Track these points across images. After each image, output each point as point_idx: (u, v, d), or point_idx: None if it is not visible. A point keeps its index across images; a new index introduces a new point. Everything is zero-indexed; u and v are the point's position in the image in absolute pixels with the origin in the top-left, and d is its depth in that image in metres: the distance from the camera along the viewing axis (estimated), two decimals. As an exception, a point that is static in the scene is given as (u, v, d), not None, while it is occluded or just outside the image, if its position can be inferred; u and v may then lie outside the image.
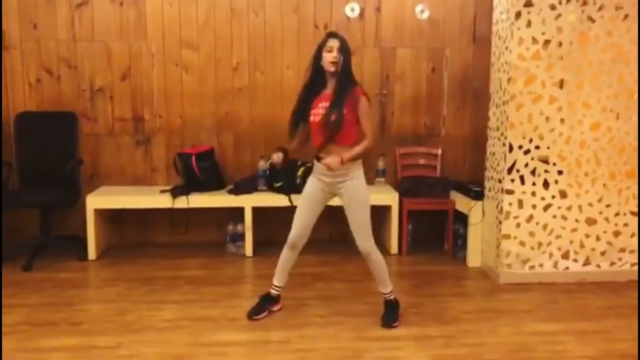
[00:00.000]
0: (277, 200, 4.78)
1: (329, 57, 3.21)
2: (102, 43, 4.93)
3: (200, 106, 5.08)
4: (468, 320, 3.58)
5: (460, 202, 4.82)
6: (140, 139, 5.09)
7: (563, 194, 4.22)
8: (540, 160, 4.17)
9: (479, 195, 4.59)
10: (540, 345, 3.24)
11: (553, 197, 4.21)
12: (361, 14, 5.06)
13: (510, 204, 4.20)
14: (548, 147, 4.16)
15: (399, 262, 4.76)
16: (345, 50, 3.23)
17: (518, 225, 4.23)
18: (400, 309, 3.54)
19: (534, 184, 4.19)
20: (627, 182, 4.26)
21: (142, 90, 5.02)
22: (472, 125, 5.29)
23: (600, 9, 4.05)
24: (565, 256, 4.29)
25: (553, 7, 4.02)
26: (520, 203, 4.20)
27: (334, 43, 3.22)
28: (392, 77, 5.19)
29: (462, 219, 4.83)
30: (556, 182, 4.20)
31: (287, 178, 4.82)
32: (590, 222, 4.27)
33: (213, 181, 4.93)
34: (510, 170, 4.17)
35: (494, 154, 4.40)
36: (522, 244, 4.25)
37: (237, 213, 4.84)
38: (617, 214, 4.28)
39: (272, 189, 4.89)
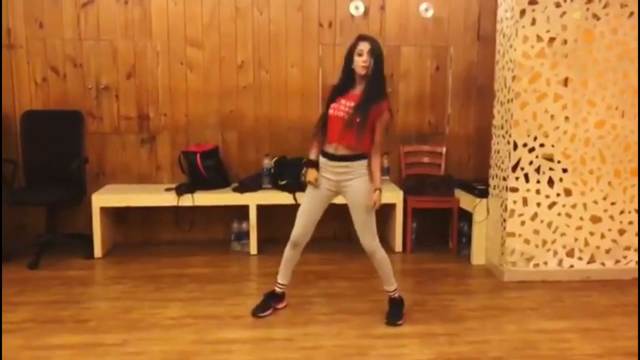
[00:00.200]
0: (282, 198, 4.78)
1: (360, 61, 3.20)
2: (108, 42, 4.94)
3: (205, 104, 5.09)
4: (472, 317, 3.58)
5: (465, 200, 4.82)
6: (145, 137, 5.10)
7: (568, 192, 4.21)
8: (544, 158, 4.16)
9: (483, 193, 4.59)
10: (545, 342, 3.24)
11: (558, 195, 4.21)
12: (365, 12, 5.06)
13: (515, 202, 4.20)
14: (553, 145, 4.15)
15: (404, 260, 4.77)
16: (376, 54, 3.20)
17: (522, 223, 4.23)
18: (404, 307, 3.54)
19: (538, 181, 4.19)
20: (632, 179, 4.25)
21: (147, 88, 5.04)
22: (476, 123, 5.28)
23: (605, 6, 4.04)
24: (570, 254, 4.28)
25: (558, 5, 4.02)
26: (525, 201, 4.20)
27: (364, 46, 3.20)
28: (397, 76, 5.18)
29: (466, 217, 4.83)
30: (561, 180, 4.19)
31: (292, 176, 4.83)
32: (595, 220, 4.26)
33: (218, 179, 4.95)
34: (514, 168, 4.17)
35: (498, 152, 4.40)
36: (527, 241, 4.24)
37: (241, 211, 4.86)
38: (622, 212, 4.28)
39: (276, 186, 4.90)
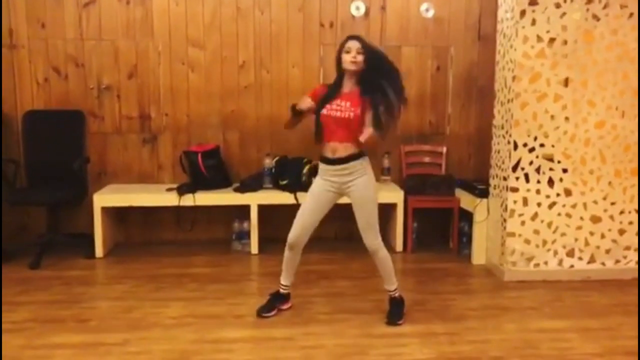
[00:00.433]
0: (283, 197, 4.80)
1: (349, 58, 3.24)
2: (109, 42, 4.96)
3: (206, 104, 5.10)
4: (473, 317, 3.59)
5: (465, 200, 4.83)
6: (146, 137, 5.12)
7: (568, 192, 4.22)
8: (545, 158, 4.17)
9: (483, 193, 4.60)
10: (545, 342, 3.25)
11: (558, 195, 4.21)
12: (366, 13, 5.07)
13: (515, 202, 4.21)
14: (553, 145, 4.16)
15: (404, 260, 4.77)
16: (368, 50, 3.24)
17: (523, 223, 4.23)
18: (405, 306, 3.55)
19: (538, 181, 4.19)
20: (632, 179, 4.26)
21: (149, 88, 5.05)
22: (477, 123, 5.29)
23: (605, 7, 4.05)
24: (570, 254, 4.29)
25: (558, 6, 4.03)
26: (525, 201, 4.21)
27: (352, 44, 3.25)
28: (397, 76, 5.19)
29: (467, 216, 4.84)
30: (561, 180, 4.20)
31: (293, 175, 4.84)
32: (595, 220, 4.27)
33: (219, 179, 4.96)
34: (515, 168, 4.18)
35: (498, 152, 4.41)
36: (527, 241, 4.25)
37: (242, 211, 4.87)
38: (622, 212, 4.28)
39: (277, 186, 4.92)
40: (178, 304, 3.76)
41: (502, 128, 4.32)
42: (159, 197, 4.80)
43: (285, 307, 3.65)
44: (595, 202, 4.25)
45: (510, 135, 4.17)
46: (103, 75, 5.00)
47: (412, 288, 4.07)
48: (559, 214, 4.24)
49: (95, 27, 4.93)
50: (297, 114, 3.37)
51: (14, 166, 4.79)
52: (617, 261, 4.34)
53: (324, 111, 3.29)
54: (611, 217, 4.28)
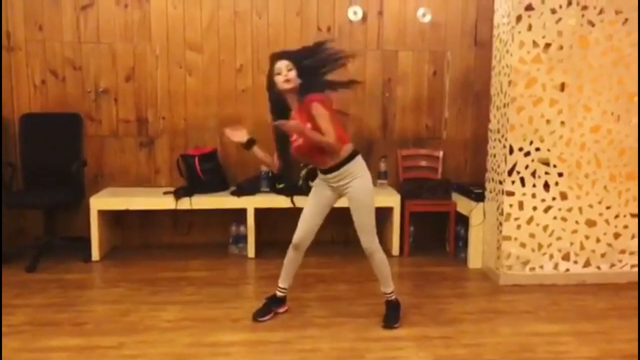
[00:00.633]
0: (280, 201, 4.80)
1: (281, 80, 3.22)
2: (107, 45, 4.96)
3: (203, 108, 5.11)
4: (469, 321, 3.60)
5: (462, 203, 4.84)
6: (144, 140, 5.12)
7: (563, 196, 4.24)
8: (540, 162, 4.19)
9: (480, 197, 4.61)
10: (540, 345, 3.26)
11: (553, 199, 4.23)
12: (364, 18, 5.09)
13: (511, 206, 4.22)
14: (548, 150, 4.18)
15: (401, 264, 4.78)
16: (296, 62, 3.21)
17: (518, 227, 4.25)
18: (401, 310, 3.55)
19: (534, 185, 4.21)
20: (627, 184, 4.28)
21: (146, 91, 5.05)
22: (473, 127, 5.31)
23: (600, 12, 4.07)
24: (566, 258, 4.31)
25: (553, 11, 4.05)
26: (521, 205, 4.23)
27: (280, 65, 3.23)
28: (394, 80, 5.21)
29: (463, 220, 4.86)
30: (556, 184, 4.22)
31: (290, 179, 4.85)
32: (591, 223, 4.29)
33: (216, 182, 4.96)
34: (510, 172, 4.19)
35: (494, 156, 4.43)
36: (523, 245, 4.27)
37: (239, 214, 4.87)
38: (617, 216, 4.30)
39: (274, 190, 4.92)
40: (174, 307, 3.76)
41: (498, 132, 4.34)
42: (156, 200, 4.80)
43: (281, 310, 3.65)
44: (590, 206, 4.27)
45: (506, 140, 4.19)
46: (100, 78, 5.00)
47: (409, 291, 4.08)
48: (555, 218, 4.25)
49: (93, 30, 4.94)
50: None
51: (11, 169, 4.79)
52: (613, 265, 4.36)
53: (292, 149, 3.34)
54: (606, 221, 4.30)
